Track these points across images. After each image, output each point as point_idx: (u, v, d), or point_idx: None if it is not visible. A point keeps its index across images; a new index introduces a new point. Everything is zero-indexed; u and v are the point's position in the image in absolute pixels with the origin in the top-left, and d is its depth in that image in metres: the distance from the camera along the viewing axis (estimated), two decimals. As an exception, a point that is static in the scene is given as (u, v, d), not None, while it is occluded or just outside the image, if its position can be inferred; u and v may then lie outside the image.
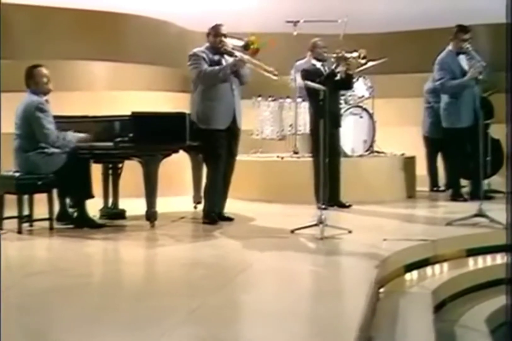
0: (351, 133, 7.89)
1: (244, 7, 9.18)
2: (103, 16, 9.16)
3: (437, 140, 8.33)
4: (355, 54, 7.09)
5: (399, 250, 5.03)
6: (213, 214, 6.26)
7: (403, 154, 8.33)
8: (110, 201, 6.58)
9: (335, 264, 4.69)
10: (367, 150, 8.06)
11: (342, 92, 7.92)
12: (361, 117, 8.01)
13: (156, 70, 9.39)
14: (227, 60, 6.30)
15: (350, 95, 8.14)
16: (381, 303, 4.32)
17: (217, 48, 6.28)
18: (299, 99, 8.13)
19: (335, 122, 7.23)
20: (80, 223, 5.87)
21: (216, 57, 6.30)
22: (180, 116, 6.09)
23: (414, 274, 4.99)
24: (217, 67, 6.16)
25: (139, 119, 5.90)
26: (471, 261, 5.41)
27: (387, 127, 8.78)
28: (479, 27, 9.20)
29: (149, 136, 5.86)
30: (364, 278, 4.13)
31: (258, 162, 8.07)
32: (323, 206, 6.92)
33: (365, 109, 8.06)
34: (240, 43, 6.25)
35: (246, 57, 6.17)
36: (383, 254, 4.86)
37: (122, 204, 6.61)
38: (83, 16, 9.01)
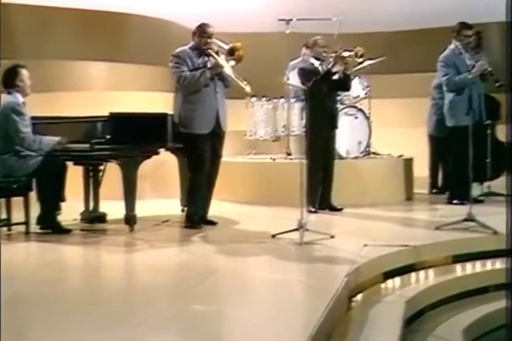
0: (345, 134, 7.73)
1: (244, 7, 9.07)
2: (103, 15, 9.04)
3: (443, 140, 8.09)
4: (350, 52, 6.90)
5: (377, 257, 4.88)
6: (196, 218, 6.13)
7: (401, 156, 8.14)
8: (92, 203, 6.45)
9: (305, 271, 4.54)
10: (362, 152, 7.85)
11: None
12: (356, 118, 7.85)
13: (156, 70, 9.26)
14: (212, 62, 6.14)
15: (345, 95, 7.96)
16: (352, 312, 4.17)
17: (202, 49, 6.12)
18: (292, 100, 7.97)
19: (331, 123, 7.08)
20: (49, 228, 5.77)
21: (200, 60, 6.13)
22: (161, 116, 5.97)
23: (394, 281, 4.83)
24: (197, 73, 5.99)
25: (117, 119, 5.79)
26: (457, 267, 5.26)
27: (386, 128, 8.62)
28: (491, 25, 8.98)
29: (127, 138, 5.75)
30: (331, 287, 3.96)
31: (249, 164, 7.95)
32: (313, 209, 6.89)
33: (360, 110, 7.89)
34: (226, 46, 6.08)
35: (223, 63, 6.00)
36: (359, 261, 4.71)
37: (105, 207, 6.50)
38: (83, 15, 8.89)
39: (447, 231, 5.78)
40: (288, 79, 7.80)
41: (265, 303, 3.84)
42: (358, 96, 8.08)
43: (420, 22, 9.43)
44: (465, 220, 5.83)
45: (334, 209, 7.07)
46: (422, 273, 5.04)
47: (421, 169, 8.39)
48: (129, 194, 5.80)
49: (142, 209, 7.12)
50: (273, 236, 5.55)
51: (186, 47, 6.17)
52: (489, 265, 5.33)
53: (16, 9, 8.45)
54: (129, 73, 9.19)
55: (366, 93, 8.10)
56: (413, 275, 4.99)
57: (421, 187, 8.28)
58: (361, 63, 7.99)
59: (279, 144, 8.21)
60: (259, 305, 3.75)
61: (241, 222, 6.46)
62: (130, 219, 5.82)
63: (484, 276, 5.20)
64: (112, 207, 6.37)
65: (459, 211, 6.36)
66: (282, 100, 8.06)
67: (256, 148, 8.32)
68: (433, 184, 8.54)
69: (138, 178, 8.27)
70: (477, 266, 5.31)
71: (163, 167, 7.83)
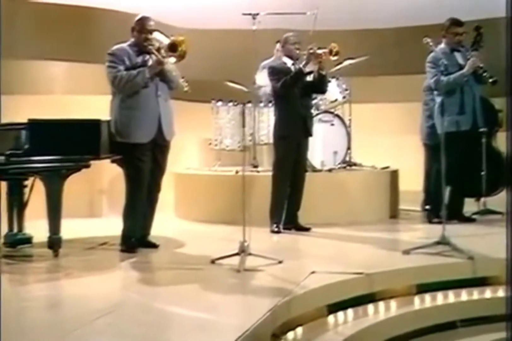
0: (320, 143, 7.50)
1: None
2: (67, 10, 8.84)
3: (438, 148, 7.80)
4: (324, 50, 6.66)
5: (321, 286, 4.64)
6: (132, 240, 5.91)
7: (385, 167, 7.89)
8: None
9: (225, 306, 4.28)
10: (339, 163, 7.61)
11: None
12: (332, 124, 7.62)
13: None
14: (153, 60, 5.93)
15: (321, 100, 7.73)
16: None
17: (142, 46, 5.91)
18: (261, 104, 7.76)
19: (304, 130, 6.84)
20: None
21: (140, 58, 5.92)
22: (92, 123, 5.75)
23: (337, 316, 4.58)
24: (134, 72, 5.78)
25: (36, 127, 5.57)
26: (420, 299, 4.97)
27: (371, 136, 8.39)
28: (491, 21, 8.71)
29: (48, 148, 5.53)
30: (243, 324, 3.71)
31: (211, 177, 7.72)
32: (276, 229, 6.67)
33: (337, 116, 7.66)
34: (167, 41, 5.85)
35: (166, 60, 5.78)
36: (296, 291, 4.45)
37: (34, 227, 6.27)
38: (43, 9, 8.68)
39: (416, 255, 5.51)
40: (255, 81, 7.61)
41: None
42: (336, 100, 7.82)
43: (410, 18, 9.15)
44: (438, 243, 5.54)
45: (301, 229, 6.82)
46: (374, 306, 4.78)
47: (415, 183, 8.10)
48: (53, 213, 5.59)
49: (90, 228, 7.08)
50: (213, 261, 5.33)
51: (124, 45, 5.97)
52: (456, 296, 5.07)
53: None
54: (94, 74, 8.96)
55: (344, 97, 7.83)
56: (363, 308, 4.73)
57: (414, 203, 8.00)
58: (340, 63, 7.81)
59: (248, 155, 7.97)
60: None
61: (188, 244, 6.26)
62: (54, 243, 5.60)
63: (450, 308, 4.94)
64: (42, 227, 6.14)
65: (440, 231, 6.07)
66: (249, 105, 7.81)
67: (222, 159, 8.07)
68: (427, 200, 8.24)
69: (94, 192, 8.39)
70: (443, 297, 5.05)
71: (121, 181, 7.63)
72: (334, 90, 7.84)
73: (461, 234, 6.26)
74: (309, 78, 6.80)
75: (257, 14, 7.57)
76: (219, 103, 7.97)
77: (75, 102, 8.26)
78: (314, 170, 7.47)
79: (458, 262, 5.32)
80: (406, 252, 5.58)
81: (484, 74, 6.84)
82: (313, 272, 4.95)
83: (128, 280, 5.05)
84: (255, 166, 7.67)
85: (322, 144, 7.53)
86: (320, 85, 6.88)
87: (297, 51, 6.83)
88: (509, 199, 6.96)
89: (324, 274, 4.91)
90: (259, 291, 4.58)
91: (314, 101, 7.68)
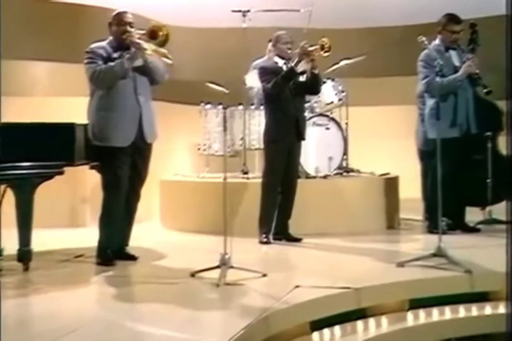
0: (314, 148, 7.38)
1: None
2: (53, 7, 8.74)
3: (432, 154, 7.68)
4: (315, 46, 6.53)
5: (303, 302, 4.50)
6: (109, 252, 5.78)
7: (384, 174, 7.75)
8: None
9: (195, 324, 4.14)
10: (335, 170, 7.48)
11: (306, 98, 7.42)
12: (327, 128, 7.50)
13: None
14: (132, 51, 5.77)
15: (316, 102, 7.60)
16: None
17: (121, 40, 5.77)
18: (252, 106, 7.64)
19: (297, 133, 6.71)
20: None
21: (117, 54, 5.77)
22: (66, 127, 5.64)
23: (322, 333, 4.46)
24: (112, 63, 5.66)
25: (6, 131, 5.45)
26: (410, 315, 4.88)
27: (370, 141, 8.27)
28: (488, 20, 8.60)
29: (17, 154, 5.40)
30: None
31: (198, 184, 7.59)
32: (265, 240, 6.55)
33: (332, 119, 7.52)
34: (144, 31, 5.72)
35: (145, 46, 5.65)
36: (277, 307, 4.34)
37: (7, 237, 6.13)
38: (27, 6, 8.57)
39: (410, 268, 5.37)
40: (244, 81, 7.51)
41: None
42: (332, 102, 7.69)
43: (412, 16, 9.02)
44: (434, 255, 5.40)
45: (292, 239, 6.69)
46: (363, 323, 4.66)
47: (417, 190, 7.98)
48: (23, 224, 5.45)
49: (70, 239, 6.98)
50: (192, 274, 5.22)
51: (103, 43, 5.85)
52: (452, 311, 4.96)
53: None
54: (79, 75, 8.84)
55: (340, 99, 7.69)
56: (351, 325, 4.61)
57: (415, 211, 7.87)
58: (336, 63, 7.70)
59: (239, 161, 7.85)
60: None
61: (169, 255, 6.14)
62: (23, 256, 5.47)
63: (447, 325, 4.85)
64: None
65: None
66: (240, 107, 7.70)
67: (211, 165, 7.95)
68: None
69: (77, 201, 8.27)
70: (438, 313, 4.93)
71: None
72: (329, 92, 7.70)
73: (462, 245, 6.17)
74: (302, 78, 6.67)
75: (248, 11, 7.47)
76: (208, 106, 7.85)
77: (58, 104, 8.14)
78: (308, 177, 7.34)
79: (455, 275, 5.18)
80: (400, 265, 5.44)
81: (480, 81, 6.73)
82: (297, 286, 4.82)
83: (99, 296, 4.92)
84: (245, 173, 7.54)
85: (316, 150, 7.41)
86: (313, 86, 6.75)
87: (289, 51, 6.70)
88: (509, 207, 6.82)
89: (309, 288, 4.80)
90: (238, 307, 4.44)
91: (308, 104, 7.58)
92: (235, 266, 5.11)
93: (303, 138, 6.82)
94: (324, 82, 7.64)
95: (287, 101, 6.63)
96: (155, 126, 5.95)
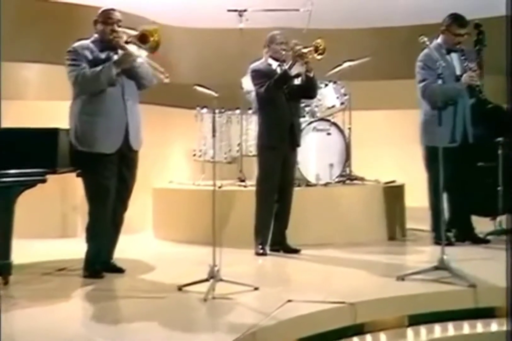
0: (315, 155, 7.30)
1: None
2: (45, 6, 8.64)
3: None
4: (309, 48, 6.43)
5: (293, 318, 4.39)
6: (96, 265, 5.68)
7: (391, 182, 7.64)
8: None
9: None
10: (337, 177, 7.37)
11: (306, 101, 7.35)
12: (328, 134, 7.37)
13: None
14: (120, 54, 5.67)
15: (316, 106, 7.50)
16: None
17: (107, 40, 5.66)
18: (250, 111, 7.56)
19: (291, 140, 6.61)
20: None
21: (104, 55, 5.66)
22: (48, 132, 5.53)
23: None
24: (98, 68, 5.56)
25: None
26: (410, 332, 4.78)
27: (372, 147, 8.14)
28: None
29: (-1, 161, 5.31)
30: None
31: (192, 192, 7.47)
32: (261, 251, 6.46)
33: (334, 124, 7.41)
34: (136, 33, 5.60)
35: (137, 53, 5.55)
36: (265, 323, 4.23)
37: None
38: (16, 5, 8.47)
39: (411, 282, 5.25)
40: (241, 85, 7.43)
41: None
42: (333, 106, 7.59)
43: (419, 15, 8.93)
44: (436, 268, 5.28)
45: (289, 251, 6.59)
46: (359, 340, 4.60)
47: (424, 198, 7.85)
48: (2, 236, 5.34)
49: (60, 250, 6.85)
50: (180, 288, 5.12)
51: (87, 41, 5.72)
52: (455, 328, 4.86)
53: None
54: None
55: (342, 103, 7.59)
56: (346, 342, 4.48)
57: (423, 221, 7.73)
58: (339, 65, 7.61)
59: (236, 167, 7.75)
60: None
61: (159, 268, 6.05)
62: (2, 269, 5.34)
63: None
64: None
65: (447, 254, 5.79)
66: (238, 111, 7.61)
67: (207, 172, 7.85)
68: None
69: (68, 210, 8.16)
70: (440, 330, 4.83)
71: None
72: (331, 95, 7.62)
73: (468, 257, 6.09)
74: (297, 81, 6.56)
75: (244, 10, 7.38)
76: (204, 110, 7.75)
77: (51, 108, 8.03)
78: (308, 184, 7.23)
79: (458, 289, 5.05)
80: (400, 278, 5.32)
81: (480, 95, 6.62)
82: (289, 301, 4.71)
83: (80, 311, 4.80)
84: (242, 181, 7.44)
85: (317, 156, 7.33)
86: (308, 89, 6.65)
87: (283, 52, 6.60)
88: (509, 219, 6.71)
89: (302, 303, 4.68)
90: (224, 323, 4.35)
91: (308, 108, 7.51)
92: (225, 279, 5.00)
93: (298, 145, 6.74)
94: (326, 85, 7.59)
95: (281, 106, 6.54)
96: (141, 133, 5.83)
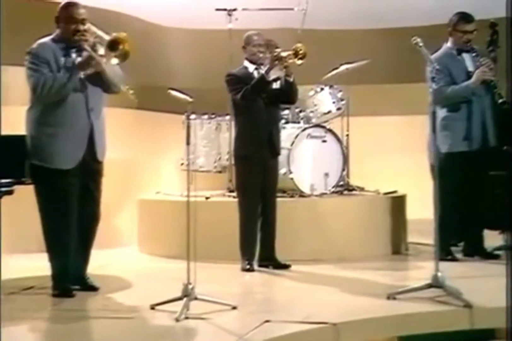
0: (309, 164, 7.24)
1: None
2: (33, 6, 8.59)
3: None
4: (289, 52, 6.38)
5: (268, 339, 4.29)
6: (65, 283, 5.59)
7: (392, 192, 7.55)
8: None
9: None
10: (333, 187, 7.30)
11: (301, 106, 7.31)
12: (324, 141, 7.30)
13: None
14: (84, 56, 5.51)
15: (311, 111, 7.45)
16: None
17: (70, 40, 5.48)
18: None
19: (270, 148, 6.58)
20: None
21: (67, 56, 5.49)
22: (17, 139, 5.47)
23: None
24: (60, 74, 5.37)
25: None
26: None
27: (372, 155, 8.07)
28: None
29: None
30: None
31: (175, 204, 7.36)
32: (248, 267, 6.39)
33: (330, 130, 7.35)
34: (107, 37, 5.49)
35: (101, 59, 5.43)
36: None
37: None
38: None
39: (402, 301, 5.16)
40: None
41: None
42: (329, 112, 7.53)
43: (423, 16, 8.89)
44: (430, 285, 5.18)
45: (279, 266, 6.53)
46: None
47: (428, 210, 7.76)
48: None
49: (37, 266, 6.67)
50: (152, 307, 5.05)
51: (47, 39, 5.55)
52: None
53: None
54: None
55: (339, 108, 7.52)
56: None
57: (426, 235, 7.63)
58: (336, 68, 7.56)
59: (226, 177, 7.68)
60: None
61: (135, 285, 6.00)
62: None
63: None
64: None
65: (448, 270, 5.68)
66: (227, 117, 7.54)
67: (195, 182, 7.76)
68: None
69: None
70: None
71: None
72: (327, 100, 7.56)
73: (469, 273, 6.07)
74: (276, 85, 6.52)
75: (234, 9, 7.33)
76: (192, 116, 7.67)
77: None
78: (302, 195, 7.16)
79: (452, 310, 4.97)
80: (392, 297, 5.22)
81: (495, 90, 6.54)
82: (267, 321, 4.63)
83: (43, 334, 4.72)
84: (231, 191, 7.35)
85: (311, 165, 7.29)
86: (288, 94, 6.59)
87: (260, 55, 6.55)
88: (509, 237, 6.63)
89: (280, 323, 4.61)
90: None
91: (303, 113, 7.48)
92: (199, 298, 4.92)
93: (278, 154, 6.70)
94: (322, 89, 7.56)
95: (259, 112, 6.50)
96: (105, 143, 5.70)
